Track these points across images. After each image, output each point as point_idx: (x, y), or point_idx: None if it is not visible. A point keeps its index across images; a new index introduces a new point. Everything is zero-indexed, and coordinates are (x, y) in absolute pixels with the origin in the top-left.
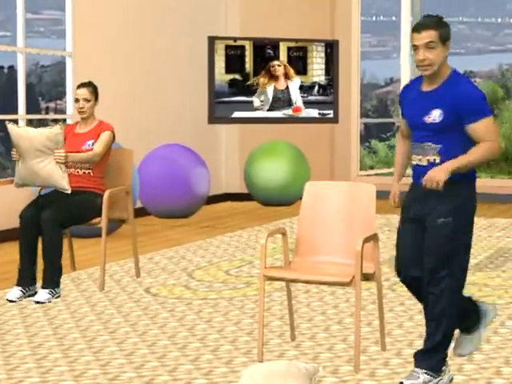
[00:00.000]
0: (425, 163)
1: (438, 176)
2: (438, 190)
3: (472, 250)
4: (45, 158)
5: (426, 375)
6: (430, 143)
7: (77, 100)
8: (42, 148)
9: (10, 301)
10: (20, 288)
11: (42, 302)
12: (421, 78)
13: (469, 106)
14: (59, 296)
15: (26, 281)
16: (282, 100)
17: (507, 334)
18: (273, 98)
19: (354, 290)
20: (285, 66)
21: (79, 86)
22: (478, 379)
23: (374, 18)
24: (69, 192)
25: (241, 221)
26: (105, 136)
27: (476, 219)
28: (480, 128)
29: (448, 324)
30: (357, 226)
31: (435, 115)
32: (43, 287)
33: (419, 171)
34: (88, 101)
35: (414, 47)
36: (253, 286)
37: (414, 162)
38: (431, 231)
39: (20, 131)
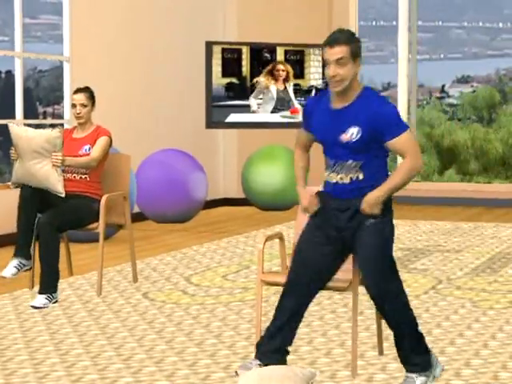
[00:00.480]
0: (347, 181)
1: (375, 210)
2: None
3: (469, 255)
4: (42, 160)
5: (420, 377)
6: (351, 161)
7: (74, 105)
8: (39, 150)
9: (4, 277)
10: (17, 262)
11: (39, 307)
12: (328, 93)
13: (385, 122)
14: (56, 301)
15: (22, 254)
16: (284, 100)
17: (505, 338)
18: (277, 96)
19: (351, 295)
20: (288, 71)
21: (76, 92)
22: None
23: (371, 23)
24: (63, 196)
25: (238, 226)
26: (102, 141)
27: (472, 224)
28: (400, 143)
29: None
30: None
31: (352, 133)
32: (40, 292)
33: (341, 188)
34: (85, 106)
35: (326, 62)
36: (250, 290)
37: (333, 181)
38: (362, 233)
39: (20, 131)
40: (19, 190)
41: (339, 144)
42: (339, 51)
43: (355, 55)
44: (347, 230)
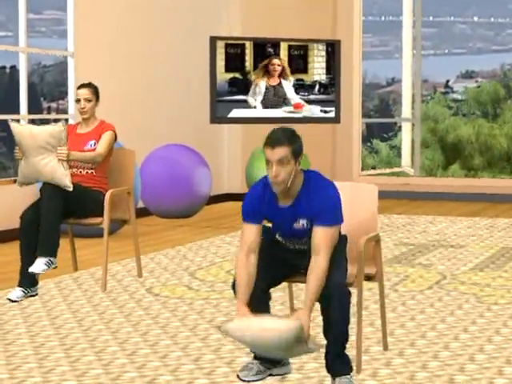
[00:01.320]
0: (305, 247)
1: (306, 325)
2: None
3: (474, 250)
4: (47, 155)
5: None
6: (306, 238)
7: (78, 100)
8: (44, 145)
9: (12, 301)
10: (21, 289)
11: (38, 273)
12: (269, 186)
13: (322, 208)
14: (56, 267)
15: (27, 282)
16: (274, 95)
17: (509, 333)
18: (265, 92)
19: (356, 291)
20: (283, 66)
21: (80, 87)
22: (481, 379)
23: (375, 18)
24: (70, 189)
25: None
26: (107, 136)
27: (478, 219)
28: (323, 235)
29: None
30: (359, 227)
31: (303, 223)
32: (39, 255)
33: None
34: (89, 101)
35: (267, 162)
36: None
37: (291, 247)
38: None
39: (23, 129)
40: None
41: (294, 230)
42: (280, 152)
43: (297, 155)
44: (298, 265)
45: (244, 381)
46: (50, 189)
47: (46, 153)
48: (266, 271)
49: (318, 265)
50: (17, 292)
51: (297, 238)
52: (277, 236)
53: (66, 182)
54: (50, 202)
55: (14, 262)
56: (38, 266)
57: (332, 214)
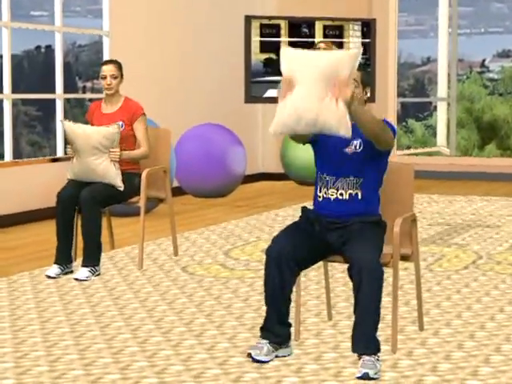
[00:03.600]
0: (347, 197)
1: (346, 93)
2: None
3: (510, 230)
4: (100, 156)
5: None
6: (352, 177)
7: (104, 77)
8: (98, 146)
9: (49, 277)
10: (58, 266)
11: (82, 280)
12: None
13: None
14: (99, 274)
15: (63, 260)
16: None
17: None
18: None
19: (391, 270)
20: (330, 50)
21: (105, 63)
22: (477, 355)
23: None
24: (122, 189)
25: (277, 200)
26: (141, 124)
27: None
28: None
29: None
30: (395, 206)
31: (355, 145)
32: (83, 265)
33: (339, 205)
34: (115, 77)
35: None
36: None
37: (333, 196)
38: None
39: (77, 129)
40: (57, 169)
41: (343, 157)
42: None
43: (365, 83)
44: (332, 244)
45: (255, 360)
46: (89, 199)
47: (99, 153)
48: (300, 248)
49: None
50: (54, 269)
51: (343, 177)
52: (323, 177)
53: (118, 182)
54: (90, 213)
55: (50, 240)
56: (83, 273)
57: (386, 122)
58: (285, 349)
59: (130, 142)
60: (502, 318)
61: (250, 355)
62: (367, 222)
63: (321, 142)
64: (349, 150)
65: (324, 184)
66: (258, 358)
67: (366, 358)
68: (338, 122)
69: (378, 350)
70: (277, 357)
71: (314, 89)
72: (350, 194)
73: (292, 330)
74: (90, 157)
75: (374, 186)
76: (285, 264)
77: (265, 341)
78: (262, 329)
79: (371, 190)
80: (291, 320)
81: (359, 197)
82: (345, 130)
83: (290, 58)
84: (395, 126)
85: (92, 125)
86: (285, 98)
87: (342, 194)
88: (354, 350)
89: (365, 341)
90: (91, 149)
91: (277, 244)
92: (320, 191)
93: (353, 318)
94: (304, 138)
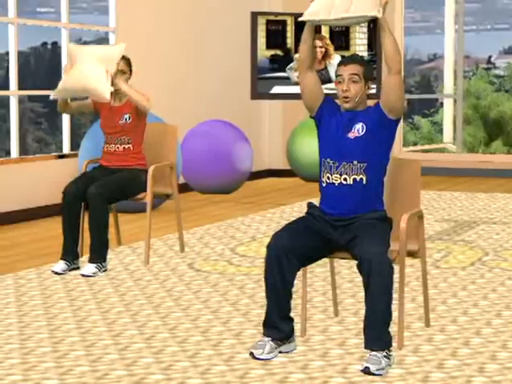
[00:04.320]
0: (351, 182)
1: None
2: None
3: (510, 230)
4: (100, 66)
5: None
6: (356, 161)
7: (118, 90)
8: (99, 58)
9: (56, 273)
10: (65, 261)
11: (88, 276)
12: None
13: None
14: (106, 270)
15: (69, 256)
16: (320, 80)
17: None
18: None
19: (398, 267)
20: (326, 47)
21: None
22: (484, 352)
23: None
24: (107, 100)
25: (283, 197)
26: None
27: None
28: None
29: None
30: (401, 203)
31: (358, 128)
32: (90, 261)
33: (343, 192)
34: (124, 73)
35: (338, 80)
36: None
37: (337, 181)
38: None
39: (81, 47)
40: (64, 166)
41: (346, 142)
42: (353, 68)
43: (367, 77)
44: (338, 241)
45: (258, 358)
46: (97, 196)
47: (99, 63)
48: (301, 244)
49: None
50: (60, 265)
51: (346, 161)
52: (326, 161)
53: (107, 95)
54: (97, 209)
55: (57, 237)
56: (89, 269)
57: None
58: (288, 344)
59: (138, 134)
60: (509, 315)
61: (252, 354)
62: (373, 219)
63: (325, 122)
64: (351, 134)
65: (327, 169)
66: (260, 357)
67: (373, 353)
68: (370, 3)
69: (388, 346)
70: (280, 352)
71: None
72: (355, 179)
73: (297, 325)
74: (88, 64)
75: (378, 172)
76: (285, 259)
77: (267, 338)
78: (264, 325)
79: (376, 176)
80: (297, 316)
81: (364, 182)
82: (376, 12)
83: None
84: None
85: (100, 115)
86: None
87: (345, 179)
88: (365, 346)
89: (374, 336)
90: (90, 59)
91: (277, 239)
92: (323, 176)
93: (359, 315)
94: (314, 99)
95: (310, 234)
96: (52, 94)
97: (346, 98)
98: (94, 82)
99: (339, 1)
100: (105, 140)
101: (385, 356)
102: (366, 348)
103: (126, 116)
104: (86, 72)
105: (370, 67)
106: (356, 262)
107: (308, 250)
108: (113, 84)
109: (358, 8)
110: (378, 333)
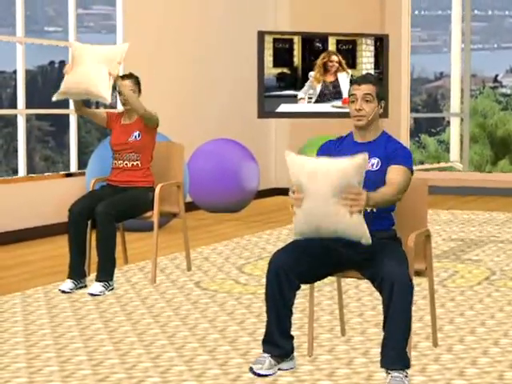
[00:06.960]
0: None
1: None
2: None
3: None
4: (102, 68)
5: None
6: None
7: (120, 92)
8: (101, 59)
9: (63, 291)
10: (72, 280)
11: (96, 295)
12: (349, 135)
13: (397, 155)
14: (112, 289)
15: (76, 274)
16: (329, 93)
17: None
18: (320, 91)
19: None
20: (340, 61)
21: (123, 77)
22: (491, 372)
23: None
24: (108, 102)
25: (290, 215)
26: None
27: None
28: (395, 170)
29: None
30: (408, 222)
31: (373, 163)
32: (97, 280)
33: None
34: (133, 92)
35: (352, 99)
36: None
37: None
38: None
39: (86, 46)
40: (71, 184)
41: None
42: (366, 88)
43: (380, 97)
44: (349, 260)
45: (257, 374)
46: (104, 215)
47: (101, 64)
48: (301, 262)
49: (388, 188)
50: (68, 284)
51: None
52: None
53: (107, 95)
54: (105, 229)
55: (64, 255)
56: (96, 288)
57: (407, 158)
58: (288, 361)
59: (147, 152)
60: None
61: (251, 370)
62: (384, 238)
63: (343, 152)
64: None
65: None
66: (259, 372)
67: (395, 374)
68: (357, 231)
69: (408, 367)
70: (280, 369)
71: (326, 206)
72: (365, 210)
73: (304, 344)
74: (91, 65)
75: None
76: (284, 277)
77: (267, 354)
78: (264, 341)
79: (386, 208)
80: (304, 335)
81: (374, 210)
82: (365, 239)
83: (296, 165)
84: (411, 159)
85: (111, 131)
86: (297, 206)
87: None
88: (382, 365)
89: (395, 356)
90: (93, 60)
91: (277, 257)
92: None
93: (366, 334)
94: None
95: (315, 251)
96: (54, 96)
97: (360, 116)
98: (95, 84)
99: (320, 223)
100: (113, 156)
101: (405, 376)
102: (385, 367)
103: (136, 134)
104: (87, 74)
105: (383, 87)
106: (364, 280)
107: (310, 268)
108: (114, 85)
109: (344, 232)
110: (398, 353)
